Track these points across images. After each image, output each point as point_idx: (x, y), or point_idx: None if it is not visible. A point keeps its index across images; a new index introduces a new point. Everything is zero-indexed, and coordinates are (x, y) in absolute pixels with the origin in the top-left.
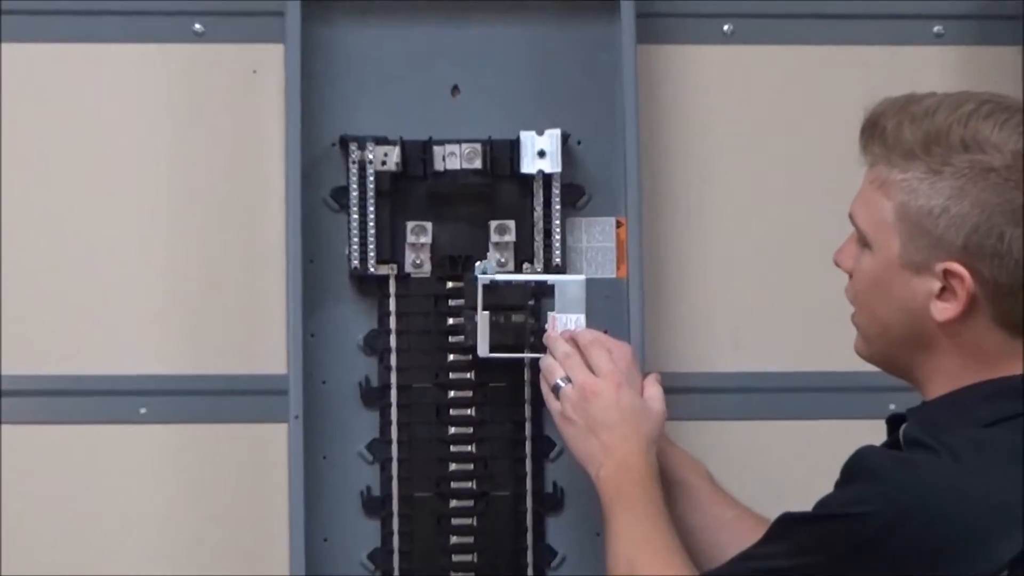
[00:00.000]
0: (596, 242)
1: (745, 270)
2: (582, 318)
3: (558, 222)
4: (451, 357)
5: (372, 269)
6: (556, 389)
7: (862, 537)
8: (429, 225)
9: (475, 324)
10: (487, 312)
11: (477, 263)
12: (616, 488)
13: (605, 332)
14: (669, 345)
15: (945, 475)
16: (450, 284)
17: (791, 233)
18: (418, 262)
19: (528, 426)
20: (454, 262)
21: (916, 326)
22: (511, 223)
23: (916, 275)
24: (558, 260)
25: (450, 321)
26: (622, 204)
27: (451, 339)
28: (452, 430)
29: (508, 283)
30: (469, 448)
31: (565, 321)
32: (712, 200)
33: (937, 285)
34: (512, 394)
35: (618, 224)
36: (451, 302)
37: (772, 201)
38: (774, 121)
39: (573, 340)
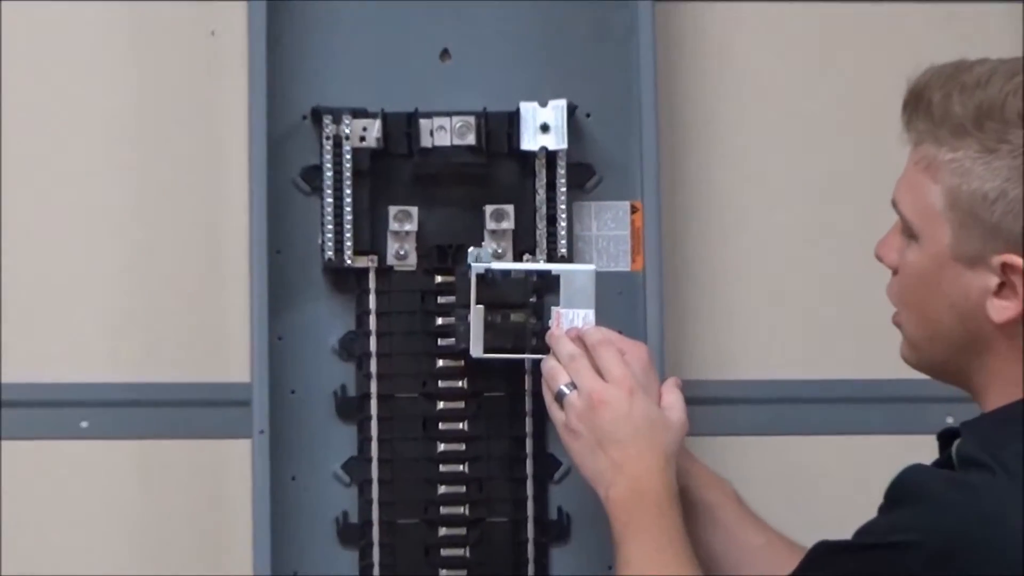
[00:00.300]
0: (608, 230)
1: (778, 263)
2: (591, 314)
3: (564, 207)
4: (440, 363)
5: (349, 261)
6: (560, 397)
7: (908, 570)
8: (414, 210)
9: (467, 323)
10: (481, 307)
11: (470, 249)
12: (629, 511)
13: (619, 333)
14: (691, 348)
15: (1002, 498)
16: (439, 279)
17: (830, 221)
18: (402, 253)
19: (529, 442)
20: (443, 253)
21: (970, 327)
22: (509, 208)
23: (970, 269)
24: (564, 251)
25: (439, 321)
26: (638, 186)
27: (440, 342)
28: (441, 447)
29: (506, 274)
30: (461, 468)
31: (571, 317)
32: (741, 182)
33: (994, 280)
34: (511, 405)
35: (633, 209)
36: (440, 299)
37: (808, 184)
38: (811, 91)
39: (580, 339)
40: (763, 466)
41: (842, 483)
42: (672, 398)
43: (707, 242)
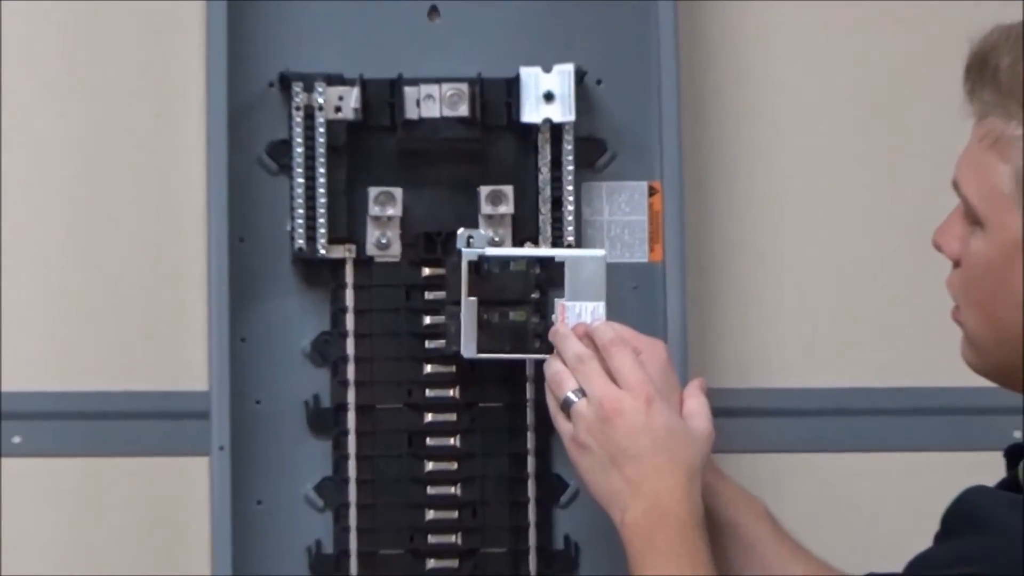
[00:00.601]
0: (622, 215)
1: (818, 254)
2: (601, 307)
3: (571, 188)
4: (428, 368)
5: (322, 251)
6: (567, 406)
7: None
8: (398, 193)
9: (459, 321)
10: (474, 299)
11: (460, 231)
12: (647, 537)
13: (633, 330)
14: (718, 351)
15: None
16: (427, 271)
17: (880, 205)
18: (384, 242)
19: (531, 460)
20: (432, 242)
21: None
22: (508, 190)
23: None
24: (571, 238)
25: (427, 320)
26: (657, 164)
27: (428, 344)
28: (430, 466)
29: (504, 266)
30: (452, 490)
31: (579, 312)
32: (776, 160)
33: None
34: (510, 417)
35: (651, 191)
36: (428, 295)
37: (855, 162)
38: (857, 54)
39: (589, 338)
40: (801, 487)
41: (892, 506)
42: (696, 405)
43: (736, 229)
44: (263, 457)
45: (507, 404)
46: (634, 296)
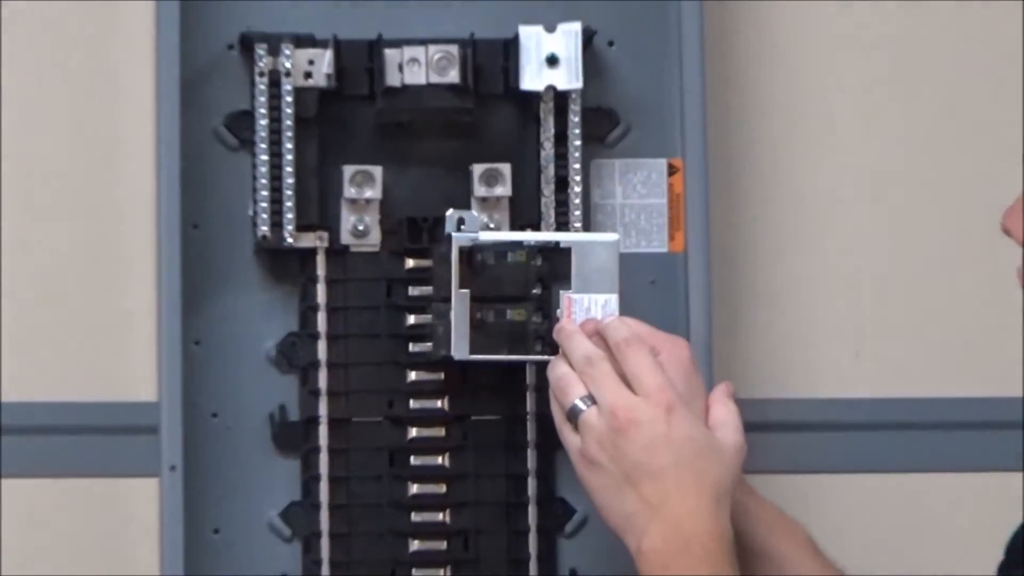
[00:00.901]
0: (637, 197)
1: (863, 245)
2: (614, 300)
3: (578, 166)
4: (412, 375)
5: (290, 239)
6: (574, 415)
7: None
8: (378, 172)
9: (448, 320)
10: (466, 292)
11: (449, 212)
12: (668, 566)
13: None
14: (748, 357)
15: None
16: (411, 263)
17: (932, 187)
18: (361, 228)
19: (532, 483)
20: (416, 228)
21: None
22: (505, 168)
23: None
24: (578, 224)
25: (411, 320)
26: (677, 138)
27: (412, 347)
28: (414, 488)
29: (501, 251)
30: (440, 517)
31: (588, 306)
32: (818, 135)
33: None
34: (508, 432)
35: (671, 170)
36: (412, 290)
37: (904, 139)
38: (909, 17)
39: (600, 335)
40: (846, 510)
41: (950, 532)
42: (724, 413)
43: (769, 216)
44: (220, 478)
45: (505, 417)
46: (652, 291)
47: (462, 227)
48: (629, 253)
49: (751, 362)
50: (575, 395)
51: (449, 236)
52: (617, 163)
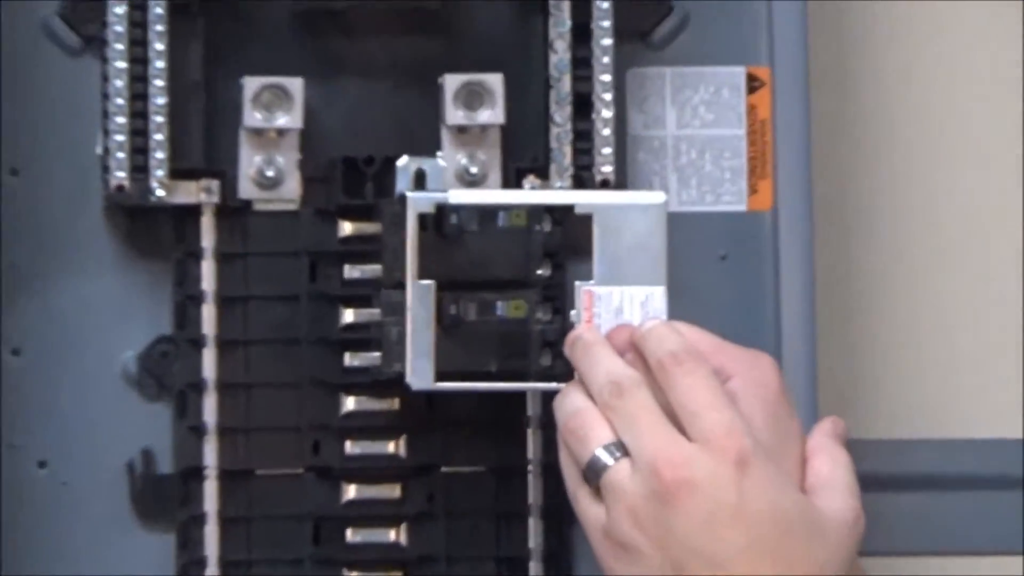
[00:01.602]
0: (700, 127)
1: None
2: (659, 295)
3: (607, 78)
4: (350, 403)
5: (160, 192)
6: (595, 472)
7: None
8: (297, 87)
9: (404, 317)
10: (430, 283)
11: (401, 161)
12: None
13: (716, 337)
14: (874, 377)
15: None
16: (347, 227)
17: None
18: (271, 175)
19: (536, 568)
20: (355, 176)
21: None
22: (494, 82)
23: None
24: (607, 168)
25: (347, 317)
26: (763, 35)
27: (349, 359)
28: None
29: (486, 215)
30: None
31: (618, 304)
32: (961, 56)
33: None
34: (497, 493)
35: (753, 83)
36: (350, 271)
37: None
38: None
39: (636, 350)
40: None
41: None
42: (829, 467)
43: (901, 151)
44: (54, 556)
45: (492, 469)
46: (723, 273)
47: (420, 180)
48: (684, 215)
49: (874, 387)
50: (597, 442)
51: (403, 196)
52: (669, 73)
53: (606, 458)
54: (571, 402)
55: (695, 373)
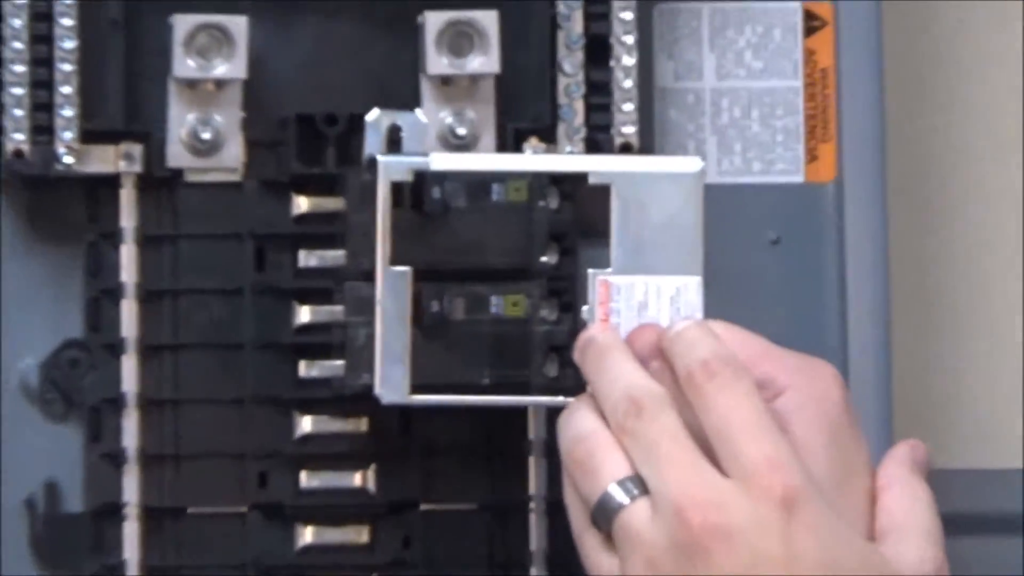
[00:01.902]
0: (744, 77)
1: None
2: (693, 287)
3: (629, 16)
4: (306, 424)
5: (67, 159)
6: (607, 513)
7: None
8: (239, 26)
9: (371, 322)
10: (406, 269)
11: (371, 116)
12: None
13: (764, 339)
14: (957, 390)
15: None
16: (302, 203)
17: None
18: (207, 138)
19: None
20: (312, 138)
21: None
22: (487, 20)
23: None
24: (629, 128)
25: (303, 317)
26: None
27: (305, 369)
28: None
29: (477, 186)
30: None
31: (642, 297)
32: None
33: None
34: (490, 536)
35: (811, 23)
36: (305, 258)
37: None
38: None
39: (661, 356)
40: None
41: None
42: (905, 504)
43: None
44: None
45: (483, 508)
46: (774, 260)
47: (397, 142)
48: (726, 187)
49: (961, 404)
50: (609, 476)
51: (373, 160)
52: (706, 9)
53: (620, 496)
54: (578, 423)
55: (732, 388)
